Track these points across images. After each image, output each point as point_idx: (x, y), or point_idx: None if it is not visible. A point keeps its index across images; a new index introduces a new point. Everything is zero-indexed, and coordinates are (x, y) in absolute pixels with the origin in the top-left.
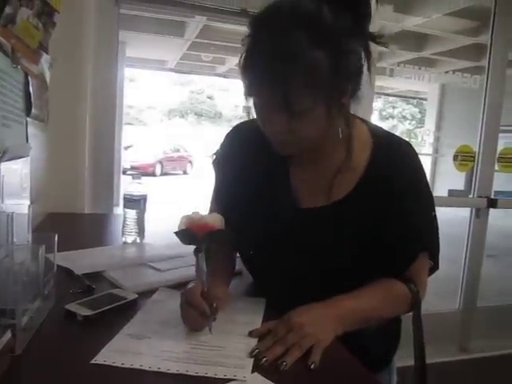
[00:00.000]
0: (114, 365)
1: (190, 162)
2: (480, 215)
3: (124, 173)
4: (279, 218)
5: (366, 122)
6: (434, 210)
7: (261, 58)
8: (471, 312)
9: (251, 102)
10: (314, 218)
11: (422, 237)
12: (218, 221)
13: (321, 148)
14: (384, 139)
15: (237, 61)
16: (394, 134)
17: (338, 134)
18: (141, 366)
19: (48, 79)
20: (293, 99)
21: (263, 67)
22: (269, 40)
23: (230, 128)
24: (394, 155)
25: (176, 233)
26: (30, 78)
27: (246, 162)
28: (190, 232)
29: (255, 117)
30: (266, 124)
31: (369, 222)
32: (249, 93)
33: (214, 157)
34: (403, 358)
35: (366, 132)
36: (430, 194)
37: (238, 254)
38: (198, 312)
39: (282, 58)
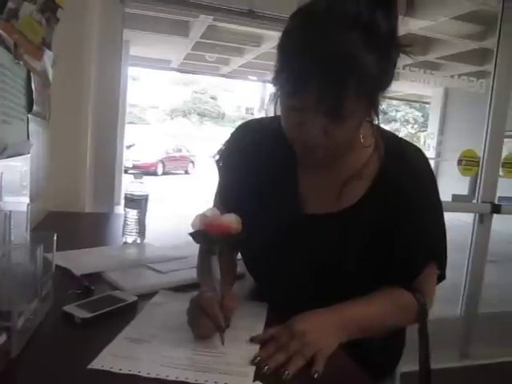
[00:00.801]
0: (111, 370)
1: (192, 161)
2: (484, 221)
3: (126, 172)
4: (284, 222)
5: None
6: (443, 218)
7: (310, 59)
8: (473, 318)
9: (268, 101)
10: (319, 224)
11: (431, 245)
12: (234, 222)
13: (342, 153)
14: (394, 144)
15: (241, 61)
16: (403, 139)
17: (359, 140)
18: (139, 372)
19: (51, 76)
20: (344, 104)
21: (313, 69)
22: (320, 40)
23: (234, 128)
24: (405, 161)
25: (191, 233)
26: (32, 74)
27: (252, 162)
28: (205, 233)
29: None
30: (299, 127)
31: (377, 229)
32: (287, 94)
33: (218, 156)
34: (407, 364)
35: (378, 137)
36: (440, 202)
37: (239, 256)
38: (212, 323)
39: (337, 61)
